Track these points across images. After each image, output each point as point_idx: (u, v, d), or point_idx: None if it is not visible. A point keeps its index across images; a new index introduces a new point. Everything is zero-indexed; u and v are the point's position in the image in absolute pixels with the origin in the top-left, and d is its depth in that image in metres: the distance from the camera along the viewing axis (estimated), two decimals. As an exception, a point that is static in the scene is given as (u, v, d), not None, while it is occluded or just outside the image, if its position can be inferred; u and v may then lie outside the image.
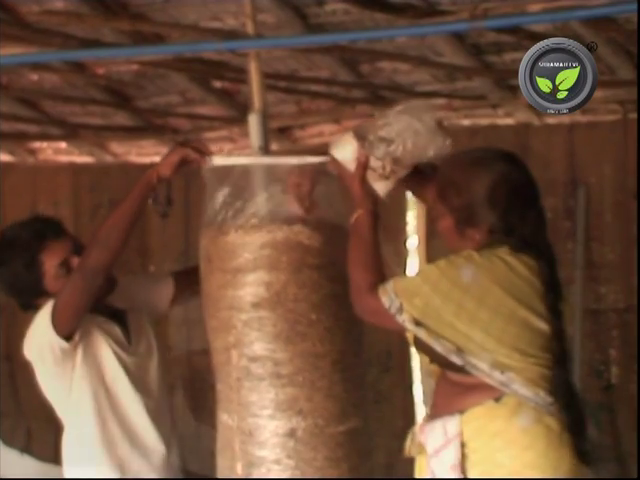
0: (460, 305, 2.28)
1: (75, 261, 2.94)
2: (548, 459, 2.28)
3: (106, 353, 3.02)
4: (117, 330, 3.07)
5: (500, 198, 2.36)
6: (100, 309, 3.03)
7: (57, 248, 2.99)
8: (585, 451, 2.34)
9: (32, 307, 3.13)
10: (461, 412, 2.33)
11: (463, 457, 2.31)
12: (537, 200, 2.41)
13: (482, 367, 2.29)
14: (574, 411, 2.34)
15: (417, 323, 2.32)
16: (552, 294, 2.35)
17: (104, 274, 2.86)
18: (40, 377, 3.12)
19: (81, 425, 3.12)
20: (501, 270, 2.32)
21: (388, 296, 2.34)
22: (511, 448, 2.28)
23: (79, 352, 2.99)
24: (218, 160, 2.70)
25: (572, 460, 2.31)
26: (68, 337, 2.95)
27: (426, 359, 2.52)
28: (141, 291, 3.22)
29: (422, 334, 2.32)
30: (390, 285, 2.36)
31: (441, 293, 2.30)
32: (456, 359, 2.30)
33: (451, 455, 2.32)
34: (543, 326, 2.31)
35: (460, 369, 2.34)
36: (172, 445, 3.20)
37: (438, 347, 2.30)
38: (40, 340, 3.03)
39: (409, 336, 2.53)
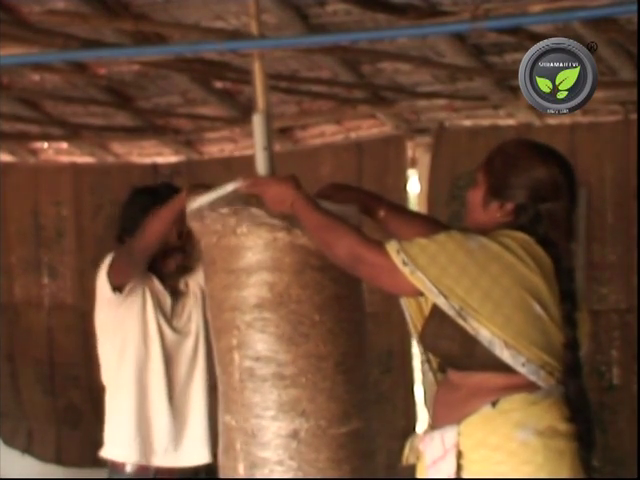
0: (463, 268, 2.28)
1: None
2: (546, 473, 2.28)
3: (150, 316, 3.41)
4: (168, 301, 3.46)
5: (538, 187, 2.39)
6: (166, 280, 3.47)
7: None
8: (591, 466, 2.34)
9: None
10: (458, 422, 2.32)
11: (461, 468, 2.31)
12: (570, 212, 2.43)
13: (485, 335, 2.28)
14: (585, 424, 2.34)
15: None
16: (568, 302, 2.34)
17: (144, 256, 3.28)
18: (95, 311, 3.50)
19: (117, 379, 3.44)
20: (511, 245, 2.32)
21: (398, 254, 2.33)
22: (511, 461, 2.27)
23: (130, 311, 3.40)
24: (193, 204, 2.78)
25: (572, 473, 2.30)
26: (116, 289, 3.37)
27: (426, 360, 2.52)
28: None
29: (434, 294, 2.30)
30: (397, 244, 2.35)
31: (447, 254, 2.30)
32: (462, 322, 2.28)
33: (449, 466, 2.31)
34: (545, 315, 2.30)
35: (463, 364, 2.34)
36: (181, 442, 3.28)
37: (446, 307, 2.29)
38: (100, 280, 3.44)
39: (413, 330, 2.53)
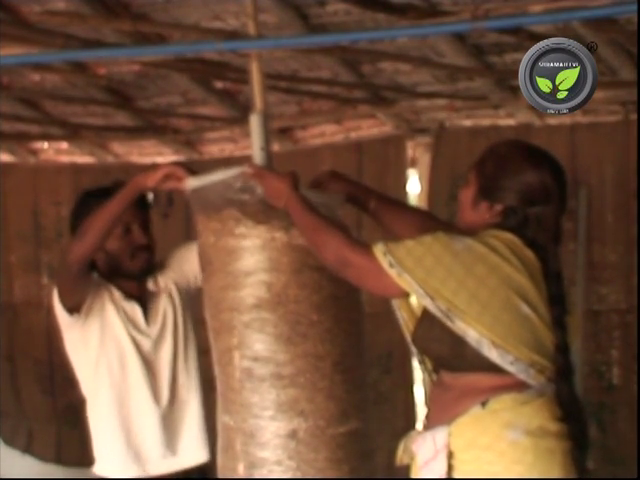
0: (449, 270, 2.29)
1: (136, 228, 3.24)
2: (537, 472, 2.27)
3: (119, 330, 3.21)
4: (137, 310, 3.25)
5: (528, 190, 2.38)
6: (126, 289, 3.26)
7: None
8: (585, 467, 2.34)
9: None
10: (449, 422, 2.33)
11: (452, 468, 2.31)
12: (559, 216, 2.43)
13: (472, 335, 2.28)
14: (578, 425, 2.34)
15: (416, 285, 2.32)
16: (557, 306, 2.34)
17: (81, 263, 3.04)
18: (62, 333, 3.30)
19: (95, 397, 3.28)
20: (497, 246, 2.31)
21: (385, 256, 2.33)
22: (501, 461, 2.27)
23: (92, 328, 3.20)
24: (194, 182, 2.76)
25: (563, 472, 2.30)
26: (72, 310, 3.17)
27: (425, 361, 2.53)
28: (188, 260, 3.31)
29: (420, 296, 2.31)
30: (384, 246, 2.35)
31: (433, 256, 2.30)
32: (450, 323, 2.28)
33: (440, 466, 2.31)
34: (532, 314, 2.30)
35: (453, 365, 2.34)
36: (176, 446, 3.24)
37: (432, 308, 2.29)
38: (55, 302, 3.22)
39: (405, 331, 2.54)
